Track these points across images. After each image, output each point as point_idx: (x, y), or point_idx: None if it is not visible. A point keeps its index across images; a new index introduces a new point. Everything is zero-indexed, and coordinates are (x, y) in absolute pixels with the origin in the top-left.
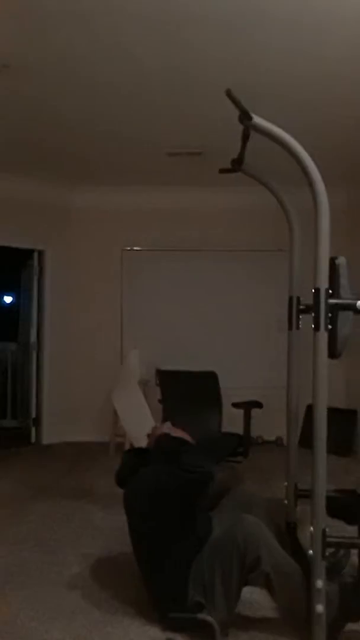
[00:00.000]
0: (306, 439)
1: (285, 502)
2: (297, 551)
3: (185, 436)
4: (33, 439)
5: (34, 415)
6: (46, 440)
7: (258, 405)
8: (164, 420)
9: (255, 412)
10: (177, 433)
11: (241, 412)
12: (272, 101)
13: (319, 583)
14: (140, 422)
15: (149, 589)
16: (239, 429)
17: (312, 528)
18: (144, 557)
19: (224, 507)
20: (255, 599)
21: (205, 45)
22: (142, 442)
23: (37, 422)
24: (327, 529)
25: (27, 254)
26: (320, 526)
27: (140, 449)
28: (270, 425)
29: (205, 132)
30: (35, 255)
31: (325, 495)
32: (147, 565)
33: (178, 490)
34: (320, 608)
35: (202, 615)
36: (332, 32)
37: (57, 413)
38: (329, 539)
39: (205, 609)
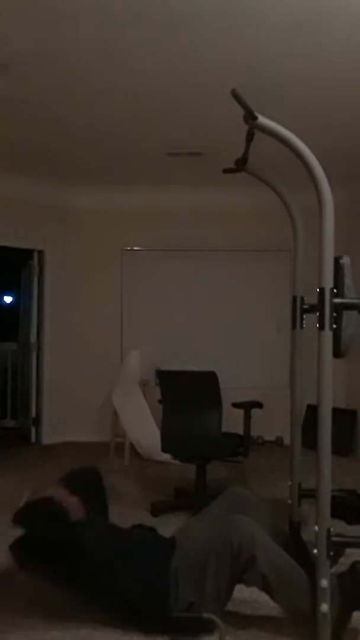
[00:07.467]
0: (307, 439)
1: (289, 501)
2: (301, 550)
3: (75, 507)
4: (33, 439)
5: (34, 415)
6: (46, 440)
7: (258, 405)
8: (164, 420)
9: (255, 412)
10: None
11: (241, 412)
12: (272, 102)
13: (324, 582)
14: (141, 422)
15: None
16: (239, 429)
17: (316, 527)
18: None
19: (218, 506)
20: (255, 599)
21: (204, 47)
22: (142, 442)
23: (37, 422)
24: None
25: (27, 254)
26: (324, 525)
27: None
28: (270, 425)
29: (205, 132)
30: (35, 255)
31: (330, 494)
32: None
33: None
34: (325, 607)
35: (207, 615)
36: (332, 34)
37: (57, 413)
38: (333, 539)
39: (195, 604)
